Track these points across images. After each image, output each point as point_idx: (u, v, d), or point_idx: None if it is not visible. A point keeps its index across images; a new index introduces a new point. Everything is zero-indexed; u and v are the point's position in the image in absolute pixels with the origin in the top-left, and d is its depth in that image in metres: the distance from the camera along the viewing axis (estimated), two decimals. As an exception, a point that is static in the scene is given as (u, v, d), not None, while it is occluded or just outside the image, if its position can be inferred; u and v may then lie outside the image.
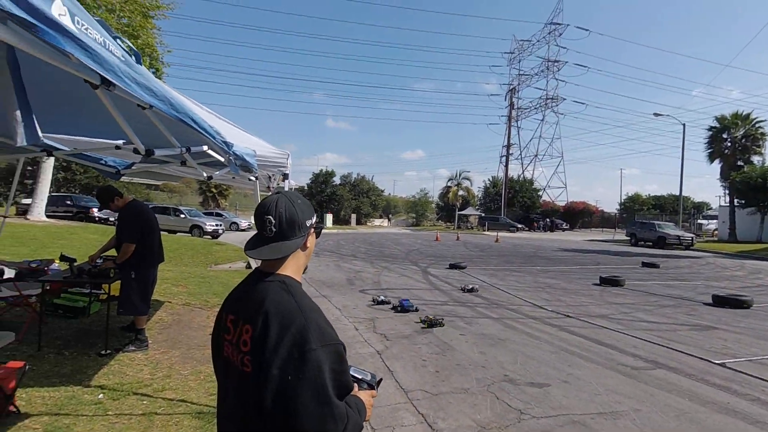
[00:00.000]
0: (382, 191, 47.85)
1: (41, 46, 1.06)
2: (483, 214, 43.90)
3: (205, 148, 2.16)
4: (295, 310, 1.02)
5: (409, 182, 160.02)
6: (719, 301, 8.40)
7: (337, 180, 43.74)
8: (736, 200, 29.47)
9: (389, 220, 50.45)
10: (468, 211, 43.32)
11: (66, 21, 1.01)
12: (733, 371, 4.70)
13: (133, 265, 4.19)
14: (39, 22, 0.94)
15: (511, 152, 49.40)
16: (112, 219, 18.57)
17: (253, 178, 3.52)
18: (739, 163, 29.58)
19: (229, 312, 1.14)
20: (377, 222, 46.63)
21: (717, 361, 4.98)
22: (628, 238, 29.32)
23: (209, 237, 20.37)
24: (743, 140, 29.70)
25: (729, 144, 30.08)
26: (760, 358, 5.24)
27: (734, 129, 29.79)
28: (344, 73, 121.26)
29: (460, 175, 43.50)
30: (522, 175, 53.02)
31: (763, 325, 6.98)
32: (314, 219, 1.21)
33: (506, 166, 46.99)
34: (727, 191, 30.75)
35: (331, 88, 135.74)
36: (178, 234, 19.60)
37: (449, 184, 44.25)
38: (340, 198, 40.97)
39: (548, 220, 43.74)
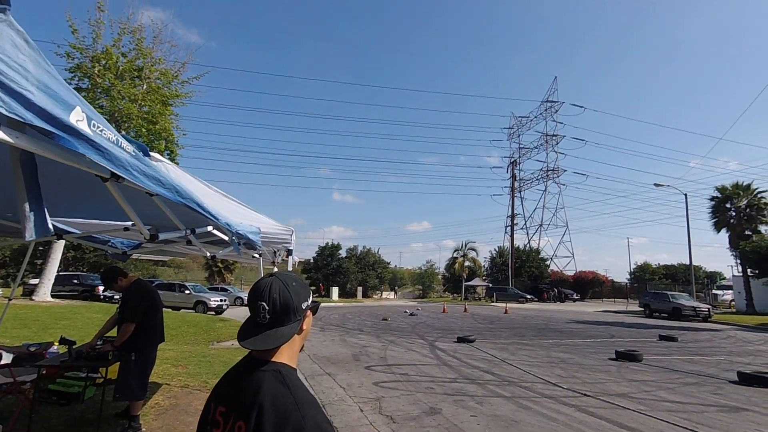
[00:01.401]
0: (388, 263, 47.65)
1: (57, 148, 1.17)
2: (490, 285, 43.13)
3: (209, 228, 2.25)
4: (291, 405, 0.95)
5: (415, 254, 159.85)
6: (746, 379, 7.90)
7: (343, 253, 43.85)
8: (749, 270, 28.89)
9: (395, 292, 49.61)
10: (475, 281, 42.68)
11: (83, 126, 1.13)
12: (770, 458, 4.31)
13: (134, 346, 4.07)
14: (57, 130, 1.04)
15: (516, 222, 49.86)
16: (117, 297, 18.48)
17: (257, 255, 3.58)
18: (747, 232, 29.47)
19: (219, 403, 1.07)
20: (384, 294, 45.87)
21: (751, 447, 4.58)
22: (642, 309, 28.41)
23: (213, 313, 20.03)
24: (747, 210, 29.85)
25: (734, 214, 30.21)
26: (798, 442, 4.82)
27: (737, 199, 30.10)
28: (352, 149, 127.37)
29: (465, 245, 43.51)
30: (528, 245, 52.97)
31: (796, 404, 6.50)
32: (310, 299, 1.17)
33: (512, 235, 47.15)
34: (738, 261, 30.26)
35: (338, 163, 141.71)
36: (183, 310, 19.34)
37: (455, 255, 44.11)
38: (346, 271, 40.78)
39: (557, 290, 42.80)
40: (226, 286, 30.18)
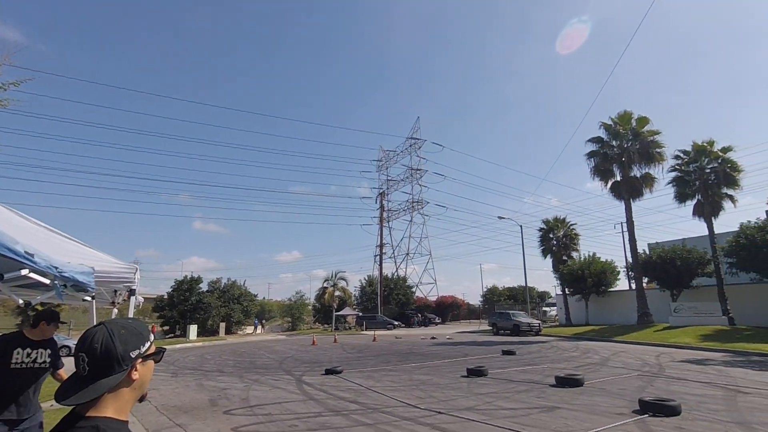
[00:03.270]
0: (255, 296, 44.99)
1: None
2: (360, 314, 43.99)
3: (24, 272, 1.94)
4: None
5: (284, 285, 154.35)
6: (560, 382, 9.57)
7: (204, 286, 40.00)
8: (566, 289, 35.26)
9: (263, 326, 46.97)
10: (345, 311, 43.04)
11: None
12: (572, 447, 5.28)
13: None
14: None
15: (384, 251, 52.25)
16: None
17: (88, 298, 3.15)
18: (564, 258, 36.11)
19: None
20: (248, 329, 42.96)
21: (560, 440, 5.55)
22: (491, 327, 32.14)
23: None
24: (564, 239, 36.73)
25: (555, 242, 36.83)
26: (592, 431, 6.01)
27: (557, 230, 36.87)
28: (216, 175, 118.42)
29: (336, 275, 43.73)
30: (396, 273, 55.81)
31: (593, 400, 8.09)
32: (145, 347, 1.12)
33: (380, 265, 49.18)
34: (559, 281, 36.73)
35: (199, 189, 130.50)
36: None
37: (325, 284, 43.93)
38: (207, 306, 37.11)
39: (420, 315, 45.77)
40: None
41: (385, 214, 55.39)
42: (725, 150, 26.39)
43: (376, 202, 55.97)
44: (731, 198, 26.27)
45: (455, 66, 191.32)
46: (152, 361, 1.16)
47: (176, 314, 36.82)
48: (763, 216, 24.48)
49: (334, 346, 23.17)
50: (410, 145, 62.83)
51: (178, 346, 25.77)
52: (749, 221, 23.88)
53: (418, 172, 61.51)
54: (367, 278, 50.33)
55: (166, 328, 37.77)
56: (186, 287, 37.80)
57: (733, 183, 25.92)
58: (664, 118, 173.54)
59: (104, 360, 1.02)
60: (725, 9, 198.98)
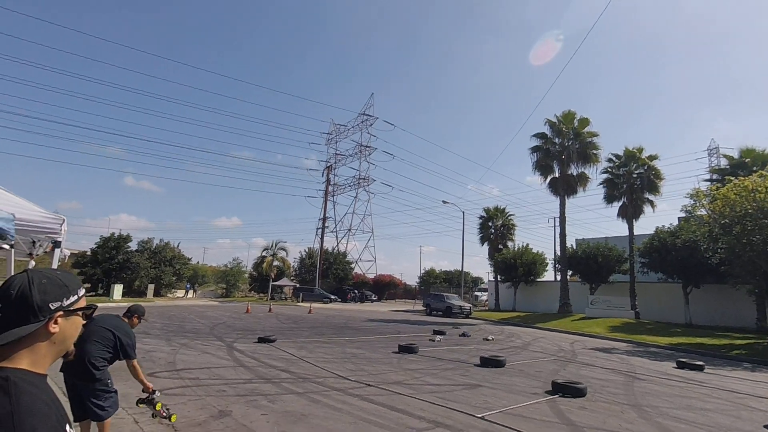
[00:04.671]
0: (189, 259, 42.99)
1: None
2: (298, 285, 43.76)
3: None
4: (5, 416, 0.84)
5: (222, 250, 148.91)
6: (484, 362, 10.20)
7: (133, 245, 37.50)
8: (499, 276, 37.28)
9: (195, 291, 45.27)
10: (283, 282, 42.54)
11: None
12: (490, 422, 5.69)
13: None
14: None
15: (327, 225, 51.97)
16: None
17: (6, 246, 2.84)
18: (500, 246, 37.99)
19: None
20: (179, 293, 41.19)
21: (479, 415, 5.95)
22: (425, 308, 33.35)
23: None
24: (502, 228, 38.55)
25: (493, 231, 38.57)
26: (508, 408, 6.50)
27: (495, 219, 38.57)
28: (149, 129, 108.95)
29: (276, 245, 42.93)
30: (336, 248, 55.87)
31: (512, 380, 8.72)
32: (69, 300, 1.06)
33: (322, 238, 48.90)
34: (492, 269, 38.70)
35: (132, 143, 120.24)
36: None
37: (264, 254, 43.02)
38: (135, 266, 34.90)
39: (357, 291, 46.42)
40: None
41: (330, 188, 54.87)
42: (651, 158, 28.74)
43: (322, 175, 55.23)
44: (651, 203, 28.85)
45: (419, 48, 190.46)
46: (78, 317, 1.09)
47: (100, 272, 34.32)
48: (675, 222, 27.23)
49: (268, 315, 22.92)
50: (362, 121, 62.15)
51: (100, 305, 24.00)
52: (663, 226, 26.47)
53: (367, 148, 61.21)
54: (307, 250, 49.94)
55: (87, 286, 35.07)
56: (113, 245, 35.25)
57: (655, 189, 28.41)
58: (606, 121, 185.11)
59: (18, 307, 0.97)
60: (687, 15, 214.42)
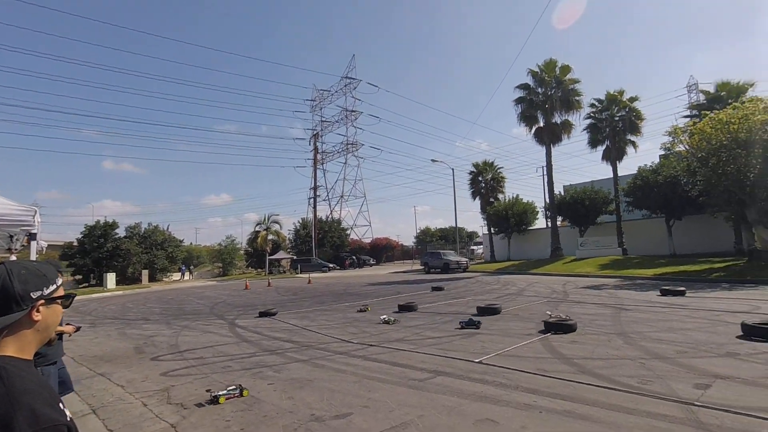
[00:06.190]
0: (181, 241, 42.74)
1: None
2: (295, 257, 44.04)
3: None
4: (1, 397, 0.90)
5: (214, 229, 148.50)
6: (481, 311, 10.51)
7: (121, 232, 37.07)
8: (493, 228, 37.80)
9: (191, 273, 45.34)
10: (279, 255, 42.74)
11: None
12: (487, 365, 5.93)
13: None
14: None
15: (318, 194, 51.69)
16: None
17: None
18: (491, 199, 38.27)
19: None
20: (175, 276, 41.27)
21: (476, 360, 6.20)
22: (423, 266, 33.93)
23: None
24: (492, 182, 38.68)
25: (483, 185, 38.70)
26: (503, 350, 6.76)
27: (485, 173, 38.62)
28: (126, 108, 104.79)
29: (269, 219, 42.68)
30: (330, 216, 55.96)
31: (507, 325, 9.02)
32: (50, 289, 1.11)
33: (314, 207, 48.74)
34: (485, 222, 39.18)
35: (108, 124, 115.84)
36: None
37: (258, 228, 42.86)
38: (126, 253, 34.63)
39: (355, 257, 46.91)
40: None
41: (319, 156, 54.11)
42: (632, 99, 28.72)
43: (309, 144, 54.18)
44: (633, 144, 29.11)
45: (398, 4, 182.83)
46: (59, 306, 1.15)
47: (90, 262, 34.07)
48: (657, 160, 27.59)
49: (268, 289, 23.19)
50: (345, 85, 60.56)
51: (95, 296, 24.20)
52: (646, 165, 26.89)
53: (352, 113, 60.05)
54: (301, 221, 49.92)
55: (78, 277, 34.93)
56: (99, 233, 34.80)
57: (636, 130, 28.60)
58: (588, 67, 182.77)
59: (1, 298, 1.02)
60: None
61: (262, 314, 12.31)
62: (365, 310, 12.30)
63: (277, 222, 43.18)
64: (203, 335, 9.77)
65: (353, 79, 59.87)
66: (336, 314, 12.17)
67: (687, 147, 18.98)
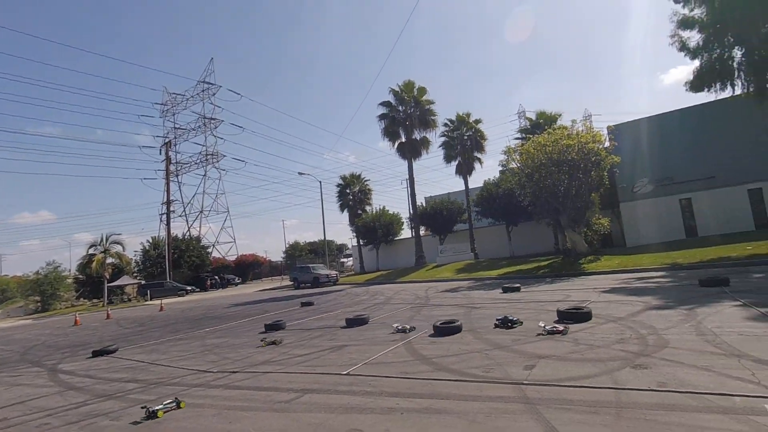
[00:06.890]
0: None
1: None
2: (143, 282, 38.64)
3: None
4: None
5: (28, 256, 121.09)
6: (349, 323, 10.64)
7: None
8: (361, 240, 38.92)
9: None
10: (123, 280, 36.88)
11: None
12: (354, 376, 5.99)
13: None
14: None
15: (173, 209, 46.53)
16: None
17: None
18: (359, 211, 39.46)
19: None
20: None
21: (344, 372, 6.21)
22: (292, 282, 33.03)
23: None
24: (359, 194, 39.95)
25: (351, 197, 39.71)
26: (370, 359, 6.93)
27: (353, 186, 39.72)
28: None
29: (107, 239, 36.46)
30: (188, 233, 50.84)
31: (374, 334, 9.29)
32: None
33: (168, 224, 43.56)
34: (354, 234, 40.18)
35: None
36: None
37: (93, 251, 36.25)
38: None
39: (218, 277, 43.39)
40: None
41: (172, 167, 48.91)
42: (477, 122, 33.12)
43: (160, 153, 48.44)
44: (480, 160, 33.51)
45: (260, 11, 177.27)
46: None
47: None
48: (497, 175, 32.30)
49: (106, 323, 19.80)
50: (203, 90, 56.23)
51: None
52: (489, 179, 31.40)
53: (212, 121, 56.02)
54: (151, 240, 44.17)
55: None
56: None
57: (481, 148, 32.99)
58: (442, 89, 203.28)
59: None
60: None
61: (97, 353, 10.39)
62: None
63: (118, 242, 37.25)
64: (8, 390, 7.78)
65: (211, 84, 56.06)
66: (193, 342, 10.96)
67: (518, 164, 22.67)
